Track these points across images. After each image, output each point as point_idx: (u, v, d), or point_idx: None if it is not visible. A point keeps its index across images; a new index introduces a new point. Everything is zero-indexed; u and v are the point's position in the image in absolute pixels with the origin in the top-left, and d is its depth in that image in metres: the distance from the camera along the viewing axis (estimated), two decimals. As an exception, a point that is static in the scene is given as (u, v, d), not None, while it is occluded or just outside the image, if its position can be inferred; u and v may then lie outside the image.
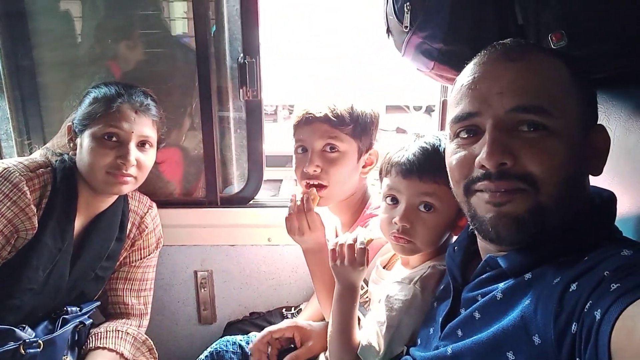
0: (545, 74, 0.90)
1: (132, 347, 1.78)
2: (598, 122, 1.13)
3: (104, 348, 1.70)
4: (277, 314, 2.07)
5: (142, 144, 1.62)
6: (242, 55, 1.93)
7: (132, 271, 1.86)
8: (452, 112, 0.97)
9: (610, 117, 1.12)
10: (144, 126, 1.62)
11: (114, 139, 1.56)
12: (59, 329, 1.61)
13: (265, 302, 2.16)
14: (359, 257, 1.20)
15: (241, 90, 1.96)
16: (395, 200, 1.23)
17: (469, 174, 0.94)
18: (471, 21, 1.26)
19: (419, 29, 1.31)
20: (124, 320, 1.83)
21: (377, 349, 1.17)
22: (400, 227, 1.20)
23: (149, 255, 1.88)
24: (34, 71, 2.04)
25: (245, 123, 2.03)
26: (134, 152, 1.58)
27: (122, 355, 1.72)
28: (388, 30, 1.48)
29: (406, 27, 1.33)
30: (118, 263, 1.83)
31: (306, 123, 1.53)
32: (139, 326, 1.86)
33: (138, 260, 1.86)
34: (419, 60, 1.42)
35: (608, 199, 0.94)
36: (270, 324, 1.98)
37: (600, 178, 1.07)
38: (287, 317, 2.01)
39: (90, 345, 1.69)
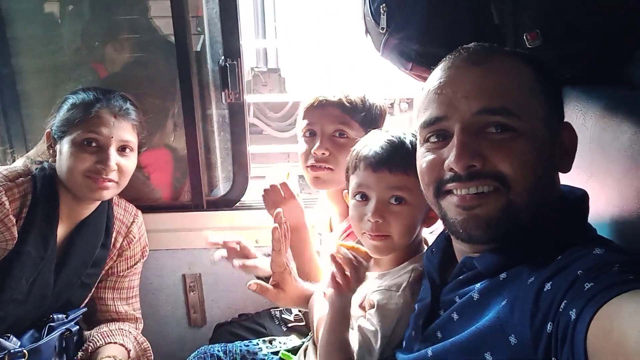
0: (509, 75, 0.90)
1: (134, 346, 1.79)
2: (576, 121, 1.14)
3: (115, 343, 1.71)
4: (266, 315, 2.07)
5: (122, 149, 1.62)
6: (223, 57, 1.92)
7: (120, 280, 1.86)
8: (421, 117, 0.98)
9: (586, 115, 1.12)
10: (124, 131, 1.61)
11: (94, 144, 1.56)
12: (45, 336, 1.60)
13: (254, 304, 2.15)
14: (359, 281, 1.16)
15: (223, 93, 1.96)
16: (364, 197, 1.22)
17: (439, 177, 0.95)
18: (447, 22, 1.26)
19: (396, 30, 1.32)
20: (121, 322, 1.84)
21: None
22: (373, 224, 1.19)
23: (134, 264, 1.88)
24: (14, 79, 2.03)
25: (229, 125, 2.02)
26: (114, 157, 1.57)
27: (129, 352, 1.73)
28: (366, 31, 1.48)
29: (383, 28, 1.34)
30: (104, 272, 1.82)
31: (318, 107, 1.55)
32: (136, 329, 1.88)
33: (125, 270, 1.86)
34: (397, 61, 1.42)
35: (580, 197, 0.94)
36: (260, 325, 1.99)
37: (577, 177, 1.08)
38: (276, 317, 2.01)
39: (101, 342, 1.70)
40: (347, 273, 1.14)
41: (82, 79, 2.03)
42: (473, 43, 0.97)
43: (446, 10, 1.25)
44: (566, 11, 1.14)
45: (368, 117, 1.55)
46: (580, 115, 1.14)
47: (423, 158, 0.98)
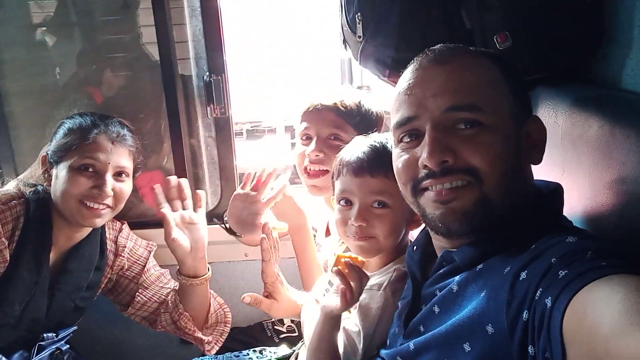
0: (475, 73, 0.94)
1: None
2: (548, 119, 1.18)
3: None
4: (258, 328, 2.08)
5: (118, 174, 1.63)
6: (207, 73, 1.95)
7: (145, 279, 1.85)
8: (394, 118, 1.01)
9: (557, 112, 1.16)
10: (121, 156, 1.62)
11: (90, 169, 1.57)
12: (35, 356, 1.60)
13: (246, 318, 2.15)
14: (357, 293, 1.14)
15: (209, 108, 1.98)
16: (348, 202, 1.24)
17: (414, 176, 0.97)
18: (420, 28, 1.30)
19: (371, 38, 1.36)
20: None
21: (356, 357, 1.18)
22: (357, 227, 1.21)
23: (146, 262, 1.88)
24: (1, 101, 2.05)
25: (215, 140, 2.05)
26: (110, 183, 1.58)
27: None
28: (344, 41, 1.52)
29: (359, 37, 1.38)
30: (128, 288, 1.85)
31: (314, 111, 1.59)
32: None
33: (141, 270, 1.86)
34: (374, 68, 1.46)
35: (554, 190, 0.97)
36: (253, 338, 2.00)
37: (550, 172, 1.12)
38: (269, 329, 2.01)
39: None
40: (352, 285, 1.13)
41: (77, 102, 2.06)
42: (439, 44, 1.01)
43: (419, 16, 1.29)
44: (530, 13, 1.18)
45: (363, 121, 1.58)
46: (552, 113, 1.17)
47: (398, 158, 1.01)
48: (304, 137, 1.63)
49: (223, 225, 1.80)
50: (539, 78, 1.27)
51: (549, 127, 1.13)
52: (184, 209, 1.71)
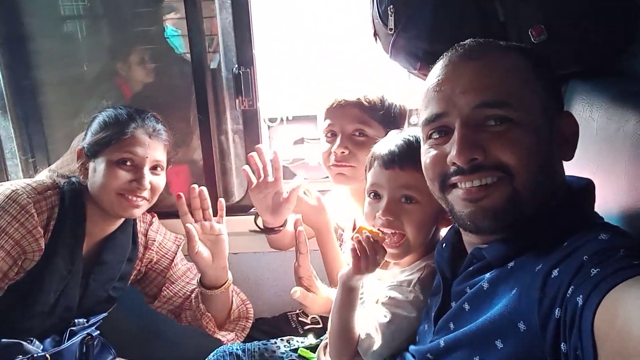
0: (505, 69, 0.93)
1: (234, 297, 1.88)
2: (583, 114, 1.16)
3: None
4: (283, 319, 2.09)
5: (154, 168, 1.65)
6: (236, 66, 1.97)
7: (172, 273, 1.89)
8: (422, 115, 1.01)
9: (592, 108, 1.14)
10: (157, 151, 1.65)
11: (129, 163, 1.59)
12: (67, 341, 1.63)
13: (271, 308, 2.17)
14: (378, 262, 1.17)
15: (237, 100, 1.99)
16: (377, 196, 1.25)
17: (442, 172, 0.97)
18: (453, 20, 1.29)
19: (403, 30, 1.35)
20: None
21: (377, 346, 1.19)
22: (384, 221, 1.21)
23: (174, 256, 1.91)
24: (35, 91, 2.09)
25: (243, 132, 2.06)
26: (148, 176, 1.60)
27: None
28: (375, 34, 1.51)
29: (391, 29, 1.37)
30: (156, 281, 1.88)
31: (338, 107, 1.60)
32: None
33: (169, 264, 1.89)
34: (405, 61, 1.45)
35: (585, 186, 0.96)
36: (277, 329, 2.01)
37: (584, 168, 1.10)
38: (294, 321, 2.03)
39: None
40: (367, 253, 1.16)
41: (106, 94, 2.11)
42: (469, 39, 1.00)
43: (452, 9, 1.28)
44: (566, 7, 1.16)
45: (387, 116, 1.59)
46: (587, 108, 1.16)
47: (427, 154, 1.01)
48: (328, 134, 1.63)
49: (259, 229, 1.81)
50: (572, 72, 1.25)
51: (584, 122, 1.12)
52: (205, 218, 1.72)
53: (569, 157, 0.96)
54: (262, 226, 1.80)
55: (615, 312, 0.65)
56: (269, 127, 4.93)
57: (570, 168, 0.99)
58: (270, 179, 1.67)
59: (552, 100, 0.95)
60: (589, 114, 1.14)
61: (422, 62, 1.38)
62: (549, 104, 0.93)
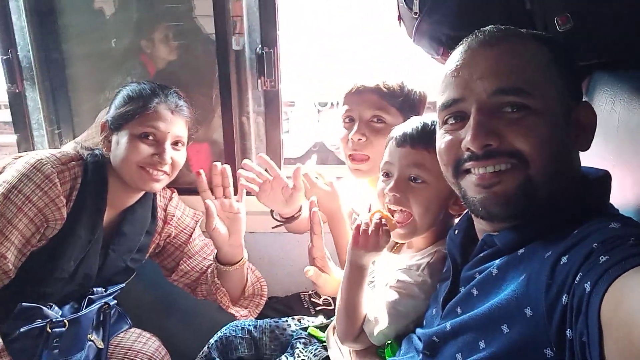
0: (524, 56, 0.92)
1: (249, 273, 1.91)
2: (605, 106, 1.14)
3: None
4: (295, 299, 2.12)
5: (175, 143, 1.67)
6: (260, 46, 1.97)
7: (190, 248, 1.93)
8: (439, 100, 1.01)
9: (615, 99, 1.12)
10: (178, 126, 1.67)
11: (151, 137, 1.61)
12: (85, 308, 1.68)
13: (284, 288, 2.20)
14: (383, 243, 1.19)
15: (259, 81, 2.00)
16: (389, 175, 1.26)
17: (457, 157, 0.97)
18: (479, 7, 1.27)
19: (428, 14, 1.34)
20: None
21: (383, 327, 1.21)
22: (391, 197, 1.22)
23: (192, 231, 1.95)
24: (63, 64, 2.13)
25: (264, 113, 2.08)
26: (169, 151, 1.63)
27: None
28: (399, 17, 1.50)
29: (415, 13, 1.36)
30: (174, 255, 1.93)
31: (357, 93, 1.58)
32: None
33: (187, 239, 1.93)
34: (429, 46, 1.44)
35: (601, 177, 0.95)
36: (290, 308, 2.05)
37: (603, 160, 1.09)
38: (306, 301, 2.05)
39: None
40: (368, 231, 1.18)
41: (132, 69, 2.12)
42: (489, 26, 0.99)
43: (478, -6, 1.27)
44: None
45: (406, 102, 1.57)
46: (609, 100, 1.14)
47: (442, 139, 1.01)
48: (346, 120, 1.62)
49: (279, 222, 1.82)
50: (598, 63, 1.23)
51: (605, 114, 1.11)
52: (225, 195, 1.74)
53: (585, 148, 0.96)
54: (280, 218, 1.81)
55: (622, 298, 0.65)
56: (318, 110, 4.94)
57: (589, 159, 0.98)
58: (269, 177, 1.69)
59: (570, 90, 0.94)
60: (612, 106, 1.12)
61: (445, 47, 1.37)
62: (567, 93, 0.93)
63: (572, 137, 0.93)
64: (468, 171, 0.96)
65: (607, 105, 1.14)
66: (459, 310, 1.00)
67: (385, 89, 1.55)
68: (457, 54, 0.99)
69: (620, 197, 0.96)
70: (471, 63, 0.95)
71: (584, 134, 0.95)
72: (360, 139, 1.55)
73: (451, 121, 0.99)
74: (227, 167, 1.74)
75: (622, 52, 1.18)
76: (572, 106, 0.93)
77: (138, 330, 2.00)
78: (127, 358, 1.86)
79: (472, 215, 1.05)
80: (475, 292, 0.97)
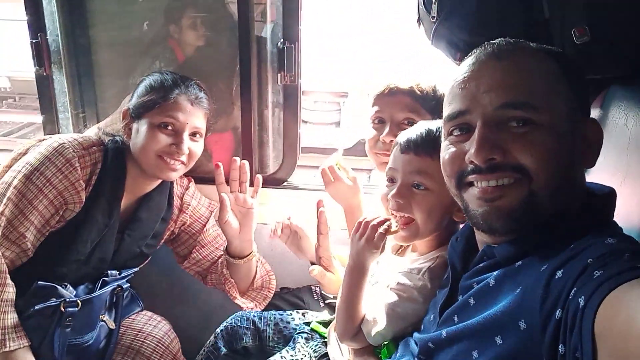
0: (532, 71, 0.92)
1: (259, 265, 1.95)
2: (618, 121, 1.13)
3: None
4: (306, 291, 2.14)
5: (193, 134, 1.70)
6: (282, 40, 1.98)
7: (203, 237, 1.97)
8: (445, 110, 1.01)
9: (628, 115, 1.11)
10: (197, 118, 1.69)
11: (170, 127, 1.64)
12: (98, 290, 1.73)
13: (295, 280, 2.22)
14: (377, 240, 1.23)
15: (279, 75, 2.01)
16: (393, 180, 1.28)
17: (460, 169, 0.98)
18: (497, 14, 1.27)
19: (445, 19, 1.33)
20: None
21: (380, 327, 1.22)
22: (394, 203, 1.24)
23: (207, 221, 1.99)
24: (90, 49, 2.17)
25: (282, 107, 2.09)
26: (187, 142, 1.66)
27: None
28: (419, 20, 1.50)
29: (433, 17, 1.35)
30: (186, 243, 1.97)
31: (389, 94, 1.58)
32: None
33: (201, 228, 1.97)
34: (446, 50, 1.44)
35: (607, 194, 0.94)
36: (300, 299, 2.07)
37: (612, 176, 1.08)
38: (316, 293, 2.07)
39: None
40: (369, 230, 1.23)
41: (158, 57, 2.15)
42: (499, 38, 0.98)
43: (497, 1, 1.25)
44: (617, 9, 1.12)
45: (439, 106, 1.54)
46: (622, 115, 1.13)
47: (446, 150, 1.01)
48: (376, 121, 1.61)
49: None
50: (613, 77, 1.22)
51: (617, 130, 1.10)
52: (240, 190, 1.77)
53: (591, 164, 0.95)
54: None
55: (616, 311, 0.66)
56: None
57: (598, 175, 0.98)
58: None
59: (578, 106, 0.93)
60: (624, 122, 1.11)
61: (462, 52, 1.36)
62: (574, 108, 0.92)
63: (577, 153, 0.92)
64: (471, 184, 0.96)
65: (620, 120, 1.12)
66: (456, 319, 1.01)
67: (418, 92, 1.54)
68: (465, 66, 0.99)
69: (625, 215, 0.95)
70: (478, 75, 0.95)
71: (590, 150, 0.94)
72: (392, 140, 1.53)
73: (456, 133, 0.99)
74: (246, 164, 1.76)
75: (636, 68, 1.16)
76: (579, 122, 0.93)
77: (149, 314, 2.05)
78: (137, 340, 1.91)
79: (473, 227, 1.05)
80: (472, 301, 0.98)
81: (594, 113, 1.23)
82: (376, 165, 1.65)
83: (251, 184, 1.79)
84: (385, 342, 1.25)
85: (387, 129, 1.55)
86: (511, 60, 0.93)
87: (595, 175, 0.97)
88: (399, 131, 1.50)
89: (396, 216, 1.25)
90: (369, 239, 1.23)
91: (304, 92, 5.54)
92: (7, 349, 1.50)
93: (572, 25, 1.16)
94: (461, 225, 1.27)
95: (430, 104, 1.54)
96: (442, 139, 1.05)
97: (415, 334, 1.15)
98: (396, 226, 1.25)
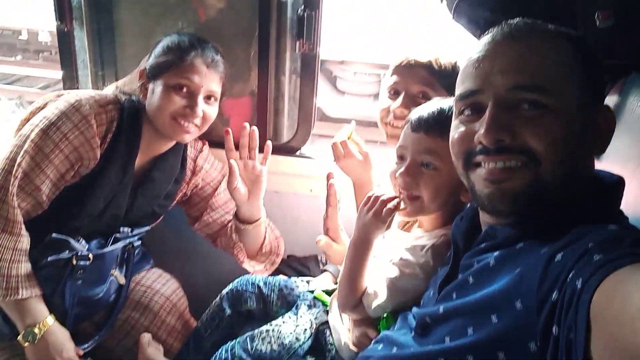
0: (548, 54, 0.90)
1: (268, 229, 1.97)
2: (637, 109, 1.11)
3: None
4: (313, 260, 2.18)
5: (208, 97, 1.70)
6: (302, 7, 1.96)
7: (215, 200, 1.99)
8: (458, 89, 1.00)
9: (647, 105, 1.09)
10: (212, 81, 1.69)
11: (184, 89, 1.64)
12: (110, 245, 1.77)
13: (303, 249, 2.25)
14: (385, 215, 1.24)
15: (298, 43, 2.00)
16: (402, 158, 1.28)
17: (468, 149, 0.97)
18: (521, -8, 1.24)
19: (467, -5, 1.31)
20: None
21: (381, 300, 1.24)
22: (402, 181, 1.24)
23: (218, 186, 2.01)
24: (111, 8, 2.17)
25: (299, 75, 2.08)
26: (201, 105, 1.66)
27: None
28: (441, -6, 1.47)
29: (454, -8, 1.33)
30: (198, 205, 2.00)
31: (407, 66, 1.56)
32: None
33: (212, 192, 1.99)
34: (467, 27, 1.42)
35: (615, 182, 0.94)
36: (306, 267, 2.10)
37: (624, 165, 1.07)
38: (322, 263, 2.10)
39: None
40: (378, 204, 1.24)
41: (180, 18, 2.14)
42: (517, 18, 0.97)
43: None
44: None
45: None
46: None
47: (456, 130, 1.01)
48: (391, 92, 1.60)
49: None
50: (635, 64, 1.19)
51: (634, 118, 1.08)
52: (250, 157, 1.77)
53: (600, 151, 0.94)
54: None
55: (613, 295, 0.66)
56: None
57: (608, 163, 0.97)
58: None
59: (592, 92, 0.92)
60: (643, 111, 1.09)
61: (482, 31, 1.34)
62: (588, 94, 0.91)
63: (588, 140, 0.92)
64: (478, 165, 0.96)
65: (638, 109, 1.10)
66: (454, 296, 1.02)
67: (436, 66, 1.52)
68: (480, 45, 0.97)
69: (634, 204, 0.95)
70: (493, 56, 0.94)
71: (601, 138, 0.93)
72: (403, 112, 1.53)
73: (467, 112, 0.98)
74: (255, 130, 1.77)
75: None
76: (592, 108, 0.92)
77: (159, 271, 2.11)
78: (146, 296, 1.97)
79: (478, 207, 1.05)
80: (471, 280, 0.99)
81: (611, 99, 1.21)
82: (385, 136, 1.64)
83: (261, 151, 1.80)
84: (385, 315, 1.28)
85: (400, 100, 1.54)
86: (527, 42, 0.92)
87: (606, 163, 0.96)
88: (412, 104, 1.50)
89: (403, 193, 1.25)
90: (377, 213, 1.24)
91: (344, 63, 5.49)
92: (19, 297, 1.56)
93: (596, 7, 1.13)
94: (467, 205, 1.28)
95: (447, 80, 1.50)
96: (453, 118, 1.04)
97: (414, 309, 1.17)
98: (405, 205, 1.25)
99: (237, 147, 1.76)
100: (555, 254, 0.81)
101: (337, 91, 5.91)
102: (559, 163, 0.89)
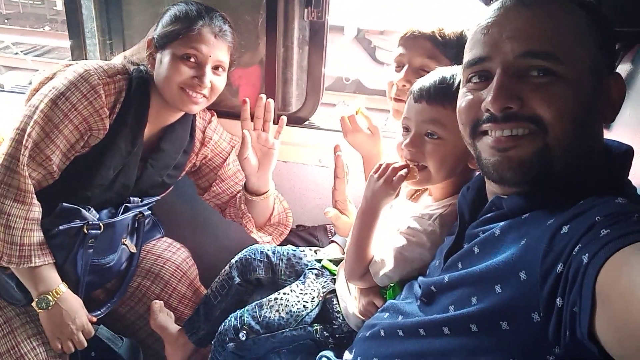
0: (558, 20, 0.88)
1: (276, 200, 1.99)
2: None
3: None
4: (321, 230, 2.18)
5: (216, 68, 1.69)
6: (310, -26, 1.92)
7: (223, 172, 2.00)
8: (466, 57, 0.98)
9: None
10: (220, 51, 1.67)
11: (192, 59, 1.63)
12: (120, 215, 1.79)
13: (311, 218, 2.26)
14: (396, 182, 1.24)
15: (306, 10, 1.96)
16: (407, 129, 1.27)
17: (475, 117, 0.96)
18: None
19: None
20: None
21: (388, 269, 1.25)
22: (407, 152, 1.24)
23: (227, 157, 2.01)
24: (119, -23, 2.15)
25: (308, 44, 2.06)
26: (209, 75, 1.65)
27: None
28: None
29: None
30: (206, 176, 2.01)
31: (411, 38, 1.54)
32: None
33: (222, 163, 2.01)
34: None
35: (624, 152, 0.93)
36: (314, 237, 2.11)
37: (635, 135, 1.05)
38: (331, 232, 2.11)
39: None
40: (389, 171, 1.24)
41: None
42: None
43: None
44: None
45: (461, 53, 1.50)
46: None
47: (463, 98, 1.00)
48: (397, 64, 1.58)
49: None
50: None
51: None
52: (264, 129, 1.77)
53: (610, 120, 0.93)
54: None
55: (620, 272, 0.66)
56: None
57: (618, 132, 0.96)
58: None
59: (603, 60, 0.90)
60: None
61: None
62: (598, 62, 0.89)
63: (598, 108, 0.90)
64: (485, 133, 0.95)
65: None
66: (459, 265, 1.02)
67: (440, 37, 1.49)
68: (490, 11, 0.95)
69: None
70: (503, 21, 0.91)
71: (611, 107, 0.92)
72: (404, 85, 1.51)
73: (475, 80, 0.97)
74: (271, 102, 1.76)
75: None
76: (603, 77, 0.90)
77: (169, 240, 2.14)
78: (157, 264, 2.00)
79: (484, 177, 1.05)
80: (476, 249, 0.99)
81: (624, 67, 1.18)
82: (391, 111, 1.63)
83: (275, 122, 1.79)
84: (392, 284, 1.29)
85: (402, 73, 1.52)
86: (538, 8, 0.89)
87: (616, 132, 0.94)
88: (415, 77, 1.47)
89: (410, 164, 1.25)
90: (387, 179, 1.24)
91: (384, 32, 5.39)
92: (32, 265, 1.60)
93: (611, -27, 1.10)
94: (477, 173, 1.27)
95: (452, 50, 1.49)
96: (461, 86, 1.03)
97: (420, 278, 1.18)
98: (416, 175, 1.25)
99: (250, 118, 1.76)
100: (562, 225, 0.80)
101: (376, 62, 5.81)
102: (567, 132, 0.87)
